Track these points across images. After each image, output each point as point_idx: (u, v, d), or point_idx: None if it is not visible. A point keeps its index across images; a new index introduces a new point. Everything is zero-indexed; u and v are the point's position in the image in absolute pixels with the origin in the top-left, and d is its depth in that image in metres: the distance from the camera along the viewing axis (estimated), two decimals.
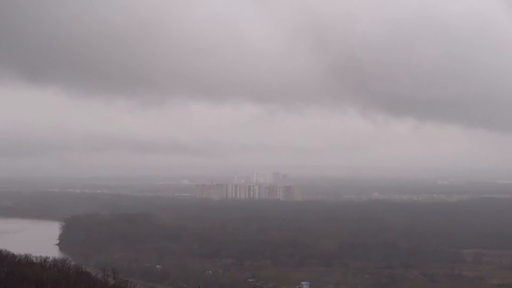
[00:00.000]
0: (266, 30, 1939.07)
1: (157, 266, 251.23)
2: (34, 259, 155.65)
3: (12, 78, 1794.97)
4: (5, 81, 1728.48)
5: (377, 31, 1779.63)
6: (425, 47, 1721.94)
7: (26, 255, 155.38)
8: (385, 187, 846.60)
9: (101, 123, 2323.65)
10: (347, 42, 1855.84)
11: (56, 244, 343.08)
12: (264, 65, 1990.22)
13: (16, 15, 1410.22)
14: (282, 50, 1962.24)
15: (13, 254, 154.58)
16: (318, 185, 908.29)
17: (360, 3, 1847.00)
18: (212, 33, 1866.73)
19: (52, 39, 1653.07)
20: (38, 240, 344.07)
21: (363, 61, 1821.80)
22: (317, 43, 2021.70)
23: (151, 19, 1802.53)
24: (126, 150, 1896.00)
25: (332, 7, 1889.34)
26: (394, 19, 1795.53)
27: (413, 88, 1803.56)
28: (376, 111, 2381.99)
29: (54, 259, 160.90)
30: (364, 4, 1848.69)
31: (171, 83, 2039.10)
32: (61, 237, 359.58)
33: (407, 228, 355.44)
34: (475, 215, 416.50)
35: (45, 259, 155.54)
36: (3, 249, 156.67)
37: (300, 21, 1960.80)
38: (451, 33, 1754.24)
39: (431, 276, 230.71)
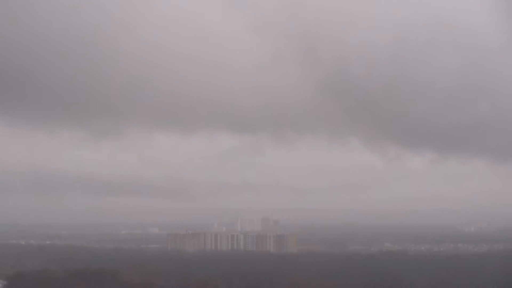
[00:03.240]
0: (243, 39, 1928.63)
1: None
2: None
3: None
4: None
5: (379, 39, 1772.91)
6: (441, 58, 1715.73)
7: None
8: (398, 235, 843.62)
9: (46, 158, 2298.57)
10: (343, 54, 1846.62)
11: None
12: (241, 83, 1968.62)
13: None
14: (263, 65, 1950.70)
15: None
16: (317, 233, 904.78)
17: (357, 7, 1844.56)
18: (175, 44, 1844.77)
19: None
20: None
21: (365, 79, 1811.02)
22: (307, 56, 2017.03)
23: (100, 25, 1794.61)
24: (79, 192, 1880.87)
25: (325, 13, 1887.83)
26: (402, 24, 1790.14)
27: (429, 112, 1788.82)
28: (385, 142, 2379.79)
29: None
30: (362, 6, 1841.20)
31: (128, 109, 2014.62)
32: None
33: (427, 286, 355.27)
34: None
35: None
36: None
37: (286, 27, 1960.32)
38: (473, 41, 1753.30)
39: None
